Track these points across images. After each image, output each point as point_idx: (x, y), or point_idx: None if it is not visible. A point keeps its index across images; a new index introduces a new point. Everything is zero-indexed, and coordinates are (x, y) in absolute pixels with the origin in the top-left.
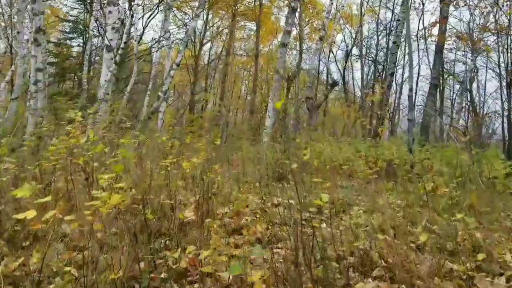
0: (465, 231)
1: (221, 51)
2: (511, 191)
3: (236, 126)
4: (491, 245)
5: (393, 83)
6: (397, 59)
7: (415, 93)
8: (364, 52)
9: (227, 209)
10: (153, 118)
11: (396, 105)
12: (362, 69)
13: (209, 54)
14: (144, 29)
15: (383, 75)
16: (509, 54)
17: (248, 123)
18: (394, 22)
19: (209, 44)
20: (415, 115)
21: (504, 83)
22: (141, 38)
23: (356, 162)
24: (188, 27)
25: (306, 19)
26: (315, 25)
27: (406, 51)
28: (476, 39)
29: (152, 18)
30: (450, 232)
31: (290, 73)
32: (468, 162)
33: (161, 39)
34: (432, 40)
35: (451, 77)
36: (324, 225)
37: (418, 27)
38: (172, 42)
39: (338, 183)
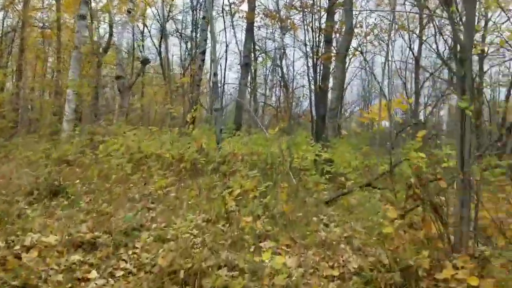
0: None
1: (18, 22)
2: (323, 188)
3: (42, 110)
4: (306, 274)
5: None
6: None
7: (226, 70)
8: (179, 28)
9: None
10: None
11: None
12: (166, 48)
13: (2, 26)
14: None
15: (195, 53)
16: (313, 33)
17: (51, 107)
18: None
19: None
20: (223, 103)
21: (310, 63)
22: None
23: (155, 163)
24: None
25: None
26: None
27: (209, 29)
28: (284, 17)
29: None
30: (258, 266)
31: (100, 49)
32: (279, 155)
33: None
34: (240, 16)
35: (263, 54)
36: (94, 273)
37: (223, 2)
38: None
39: (130, 194)
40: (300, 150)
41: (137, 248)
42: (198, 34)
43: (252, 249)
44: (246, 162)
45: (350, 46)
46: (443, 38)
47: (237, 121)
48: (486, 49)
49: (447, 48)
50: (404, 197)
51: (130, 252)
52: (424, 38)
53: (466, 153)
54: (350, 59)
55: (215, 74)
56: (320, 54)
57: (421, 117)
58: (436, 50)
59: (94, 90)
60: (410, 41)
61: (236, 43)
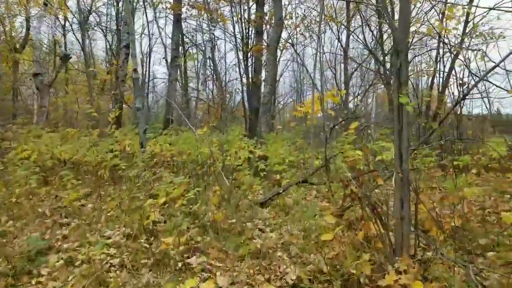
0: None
1: None
2: (258, 188)
3: None
4: None
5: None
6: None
7: (151, 65)
8: (103, 21)
9: None
10: None
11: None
12: (83, 42)
13: None
14: None
15: (119, 47)
16: (243, 25)
17: None
18: None
19: None
20: (146, 102)
21: (241, 56)
22: None
23: (66, 171)
24: None
25: None
26: None
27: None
28: (213, 8)
29: None
30: None
31: (17, 45)
32: (209, 155)
33: None
34: (163, 8)
35: (193, 47)
36: None
37: None
38: None
39: (39, 209)
40: (233, 147)
41: (43, 275)
42: (122, 27)
43: (179, 266)
44: (174, 164)
45: (281, 38)
46: (369, 29)
47: (167, 117)
48: (411, 39)
49: (373, 38)
50: (342, 195)
51: (33, 282)
52: (351, 29)
53: (404, 149)
54: (281, 51)
55: (135, 70)
56: (251, 46)
57: (351, 105)
58: (363, 41)
59: (10, 89)
60: (338, 32)
61: (160, 35)
